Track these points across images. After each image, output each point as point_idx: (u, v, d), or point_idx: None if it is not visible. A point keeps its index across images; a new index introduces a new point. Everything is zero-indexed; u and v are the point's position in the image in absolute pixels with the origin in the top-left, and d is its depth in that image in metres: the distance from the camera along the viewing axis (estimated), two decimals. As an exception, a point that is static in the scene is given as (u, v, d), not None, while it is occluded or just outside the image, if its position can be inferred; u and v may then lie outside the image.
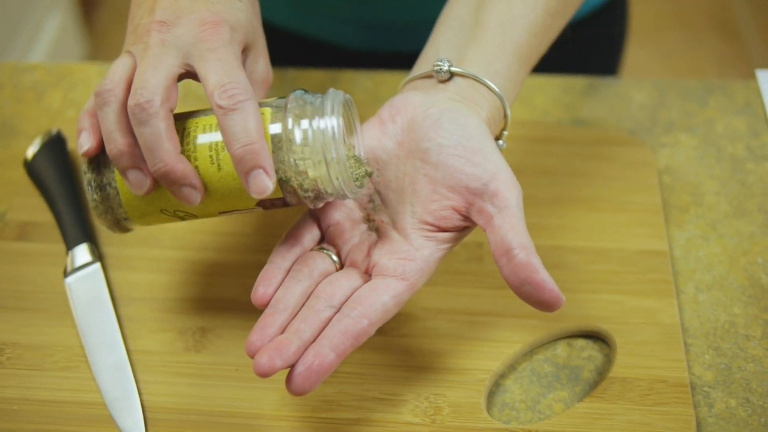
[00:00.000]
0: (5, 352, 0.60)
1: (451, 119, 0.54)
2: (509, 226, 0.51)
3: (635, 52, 2.03)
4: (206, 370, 0.59)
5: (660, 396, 0.56)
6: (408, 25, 0.83)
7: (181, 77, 0.52)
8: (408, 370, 0.58)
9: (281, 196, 0.53)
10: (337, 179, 0.51)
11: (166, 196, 0.53)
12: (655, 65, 2.05)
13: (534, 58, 0.59)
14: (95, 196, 0.54)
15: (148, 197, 0.53)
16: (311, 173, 0.51)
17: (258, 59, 0.57)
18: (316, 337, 0.51)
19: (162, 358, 0.59)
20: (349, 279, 0.54)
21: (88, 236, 0.65)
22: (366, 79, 0.79)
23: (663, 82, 0.78)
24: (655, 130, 0.74)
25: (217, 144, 0.52)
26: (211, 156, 0.52)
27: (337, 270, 0.55)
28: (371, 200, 0.57)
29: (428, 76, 0.58)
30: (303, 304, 0.53)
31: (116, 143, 0.51)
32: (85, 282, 0.63)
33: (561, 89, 0.77)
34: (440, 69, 0.56)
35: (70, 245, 0.65)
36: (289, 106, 0.52)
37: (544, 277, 0.50)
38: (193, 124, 0.53)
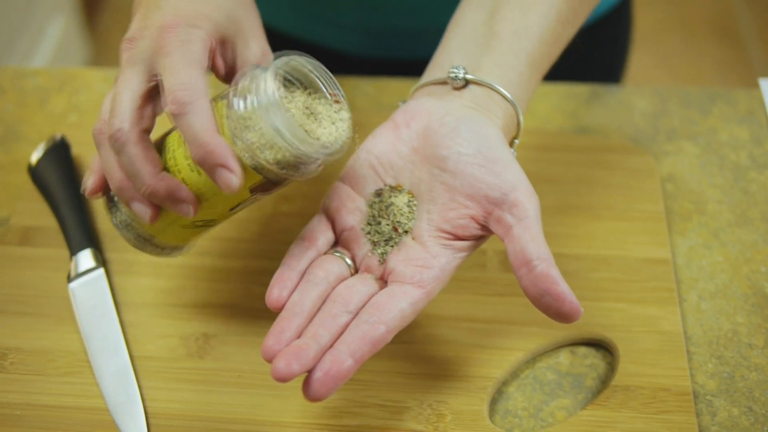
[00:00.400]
0: (8, 357, 0.60)
1: (469, 127, 0.54)
2: (529, 236, 0.51)
3: (637, 58, 2.03)
4: (209, 376, 0.59)
5: (663, 404, 0.56)
6: (412, 31, 0.83)
7: (153, 90, 0.53)
8: (410, 377, 0.58)
9: (261, 178, 0.52)
10: (292, 142, 0.49)
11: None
12: (657, 71, 2.05)
13: (545, 67, 0.59)
14: (128, 235, 0.55)
15: (165, 219, 0.54)
16: (262, 142, 0.50)
17: (248, 44, 0.57)
18: (334, 342, 0.51)
19: (165, 364, 0.59)
20: (365, 284, 0.54)
21: (92, 241, 0.65)
22: (368, 86, 0.79)
23: (665, 89, 0.78)
24: (657, 138, 0.74)
25: (188, 151, 0.52)
26: (189, 165, 0.52)
27: (351, 274, 0.55)
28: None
29: (442, 83, 0.58)
30: (318, 308, 0.53)
31: (113, 180, 0.52)
32: (88, 287, 0.63)
33: (563, 97, 0.77)
34: (456, 76, 0.56)
35: (73, 250, 0.65)
36: (234, 87, 0.51)
37: (564, 288, 0.50)
38: (171, 138, 0.53)
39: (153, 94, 0.53)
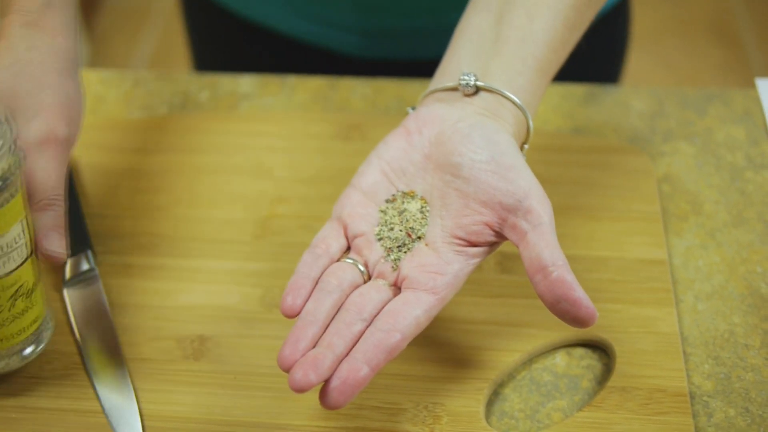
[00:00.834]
0: (3, 359, 0.60)
1: (482, 134, 0.55)
2: (544, 243, 0.52)
3: (635, 60, 2.03)
4: (205, 378, 0.59)
5: (659, 405, 0.56)
6: (409, 32, 0.83)
7: None
8: (406, 379, 0.58)
9: None
10: None
11: None
12: (655, 73, 2.05)
13: (553, 72, 0.60)
14: None
15: None
16: None
17: (29, 123, 0.56)
18: (349, 350, 0.51)
19: (160, 366, 0.59)
20: (378, 292, 0.53)
21: (87, 244, 0.65)
22: (365, 87, 0.79)
23: (662, 90, 0.78)
24: (654, 139, 0.74)
25: None
26: None
27: (364, 281, 0.55)
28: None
29: (452, 89, 0.58)
30: (333, 317, 0.53)
31: None
32: (83, 290, 0.63)
33: (560, 97, 0.77)
34: (467, 83, 0.57)
35: (68, 253, 0.65)
36: None
37: (580, 294, 0.50)
38: None
39: None
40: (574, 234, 0.66)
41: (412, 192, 0.57)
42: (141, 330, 0.61)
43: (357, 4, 0.81)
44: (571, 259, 0.64)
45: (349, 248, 0.57)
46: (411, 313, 0.52)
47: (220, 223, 0.68)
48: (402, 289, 0.54)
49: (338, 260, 0.56)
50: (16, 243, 0.53)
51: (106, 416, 0.57)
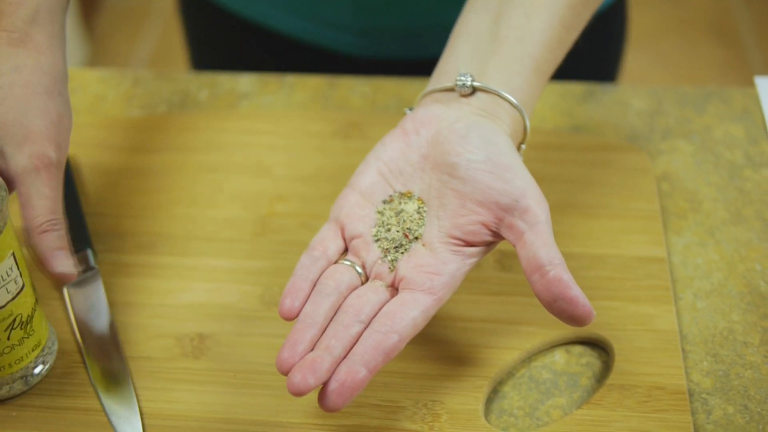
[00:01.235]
0: (3, 358, 0.60)
1: (478, 134, 0.55)
2: (541, 242, 0.52)
3: (634, 59, 2.03)
4: (204, 376, 0.59)
5: (658, 403, 0.56)
6: (407, 32, 0.83)
7: None
8: (406, 377, 0.58)
9: None
10: None
11: None
12: (654, 72, 2.05)
13: (550, 72, 0.60)
14: None
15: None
16: None
17: (17, 151, 0.56)
18: (347, 352, 0.51)
19: (160, 365, 0.59)
20: (376, 293, 0.54)
21: (87, 243, 0.65)
22: (364, 85, 0.79)
23: (660, 88, 0.78)
24: (652, 137, 0.74)
25: None
26: None
27: (362, 283, 0.55)
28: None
29: (449, 90, 0.58)
30: (331, 319, 0.53)
31: None
32: (83, 288, 0.63)
33: (559, 96, 0.77)
34: (464, 84, 0.57)
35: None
36: None
37: (576, 293, 0.51)
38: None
39: None
40: (573, 232, 0.66)
41: (409, 193, 0.57)
42: (141, 328, 0.61)
43: (355, 4, 0.81)
44: (570, 257, 0.64)
45: (346, 250, 0.57)
46: (408, 314, 0.52)
47: (220, 221, 0.68)
48: (399, 290, 0.54)
49: (336, 262, 0.56)
50: (8, 276, 0.53)
51: (107, 414, 0.57)
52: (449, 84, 0.58)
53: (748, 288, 0.63)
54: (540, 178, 0.71)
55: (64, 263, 0.55)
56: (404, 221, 0.55)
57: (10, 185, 0.56)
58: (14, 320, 0.55)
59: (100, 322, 0.61)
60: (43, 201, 0.56)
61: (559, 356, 0.60)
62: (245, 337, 0.61)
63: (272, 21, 0.86)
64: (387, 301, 0.53)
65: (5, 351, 0.55)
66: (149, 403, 0.57)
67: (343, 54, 0.86)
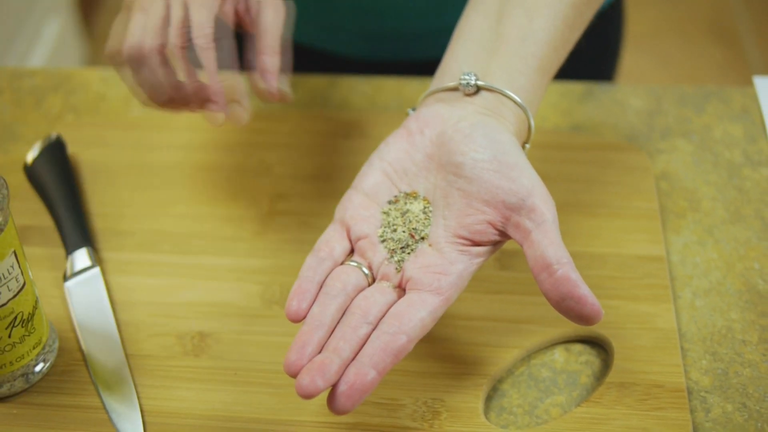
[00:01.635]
0: (4, 356, 0.60)
1: (483, 133, 0.55)
2: (548, 241, 0.52)
3: (633, 59, 2.04)
4: (205, 374, 0.59)
5: (657, 401, 0.56)
6: (408, 34, 0.83)
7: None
8: (406, 375, 0.58)
9: None
10: None
11: None
12: (653, 71, 2.05)
13: (553, 71, 0.60)
14: None
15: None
16: None
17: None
18: (355, 354, 0.51)
19: (161, 363, 0.60)
20: (383, 294, 0.53)
21: (88, 241, 0.66)
22: (365, 85, 0.80)
23: (660, 88, 0.78)
24: (652, 136, 0.74)
25: None
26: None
27: (369, 284, 0.55)
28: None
29: (453, 89, 0.58)
30: (338, 321, 0.53)
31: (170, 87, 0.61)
32: (84, 286, 0.63)
33: (558, 95, 0.78)
34: (467, 83, 0.57)
35: (69, 249, 0.65)
36: None
37: (585, 291, 0.50)
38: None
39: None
40: (572, 231, 0.66)
41: (415, 193, 0.57)
42: (141, 326, 0.62)
43: (356, 7, 0.81)
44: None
45: (352, 251, 0.57)
46: (416, 314, 0.52)
47: (221, 220, 0.68)
48: (406, 291, 0.53)
49: (342, 263, 0.56)
50: (9, 273, 0.54)
51: (107, 412, 0.57)
52: (453, 83, 0.58)
53: (746, 286, 0.63)
54: (540, 177, 0.71)
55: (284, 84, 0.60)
56: (410, 221, 0.55)
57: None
58: (15, 318, 0.55)
59: (101, 320, 0.61)
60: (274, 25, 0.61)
61: (558, 354, 0.60)
62: (246, 336, 0.61)
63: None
64: (394, 302, 0.53)
65: (6, 349, 0.56)
66: (150, 401, 0.57)
67: (344, 56, 0.86)
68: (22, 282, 0.55)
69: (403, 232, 0.55)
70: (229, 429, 0.56)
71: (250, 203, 0.70)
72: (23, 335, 0.56)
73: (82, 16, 2.15)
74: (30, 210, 0.69)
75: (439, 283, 0.53)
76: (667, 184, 0.70)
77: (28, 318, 0.56)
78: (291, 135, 0.75)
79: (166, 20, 0.59)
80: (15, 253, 0.54)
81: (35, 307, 0.57)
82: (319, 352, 0.51)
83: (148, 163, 0.73)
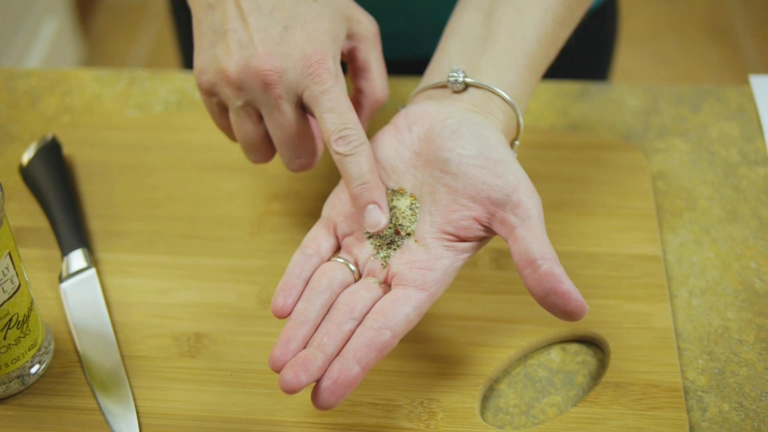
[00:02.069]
0: (0, 357, 0.60)
1: (470, 130, 0.55)
2: (533, 236, 0.52)
3: (631, 58, 2.04)
4: (201, 375, 0.59)
5: (653, 401, 0.56)
6: (401, 34, 0.83)
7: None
8: (402, 375, 0.58)
9: None
10: None
11: None
12: (650, 71, 2.05)
13: (543, 68, 0.60)
14: None
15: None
16: None
17: (360, 22, 0.60)
18: (340, 350, 0.51)
19: (157, 364, 0.59)
20: (368, 290, 0.54)
21: (83, 242, 0.65)
22: (361, 85, 0.79)
23: (656, 87, 0.78)
24: (648, 135, 0.74)
25: None
26: None
27: (355, 280, 0.55)
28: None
29: (442, 86, 0.58)
30: (324, 317, 0.53)
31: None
32: (80, 287, 0.63)
33: (554, 94, 0.78)
34: (456, 80, 0.57)
35: (65, 251, 0.65)
36: None
37: (569, 287, 0.51)
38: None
39: None
40: (568, 230, 0.66)
41: (402, 189, 0.57)
42: (137, 327, 0.62)
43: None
44: (565, 256, 0.64)
45: (339, 247, 0.57)
46: (401, 310, 0.52)
47: (216, 220, 0.68)
48: (392, 286, 0.54)
49: (329, 260, 0.56)
50: (4, 275, 0.53)
51: (103, 413, 0.57)
52: (441, 81, 0.58)
53: (743, 286, 0.63)
54: (535, 177, 0.71)
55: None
56: (396, 218, 0.55)
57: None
58: (10, 320, 0.55)
59: (97, 321, 0.61)
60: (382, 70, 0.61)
61: (554, 354, 0.60)
62: (242, 336, 0.61)
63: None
64: (380, 298, 0.53)
65: (1, 351, 0.55)
66: (146, 402, 0.57)
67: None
68: (17, 283, 0.55)
69: (389, 228, 0.55)
70: (225, 430, 0.56)
71: (245, 204, 0.69)
72: (18, 337, 0.56)
73: (79, 16, 2.14)
74: (25, 211, 0.69)
75: (424, 279, 0.53)
76: (664, 183, 0.70)
77: (23, 320, 0.56)
78: (287, 135, 0.74)
79: None
80: (10, 254, 0.54)
81: (30, 309, 0.57)
82: (304, 347, 0.51)
83: (143, 163, 0.73)
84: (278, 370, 0.50)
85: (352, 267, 0.55)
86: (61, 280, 0.64)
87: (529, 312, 0.61)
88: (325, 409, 0.50)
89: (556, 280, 0.51)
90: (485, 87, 0.56)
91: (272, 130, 0.58)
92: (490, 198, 0.53)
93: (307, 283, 0.54)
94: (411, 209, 0.56)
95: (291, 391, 0.49)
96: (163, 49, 2.13)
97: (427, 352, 0.59)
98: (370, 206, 0.54)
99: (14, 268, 0.54)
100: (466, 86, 0.57)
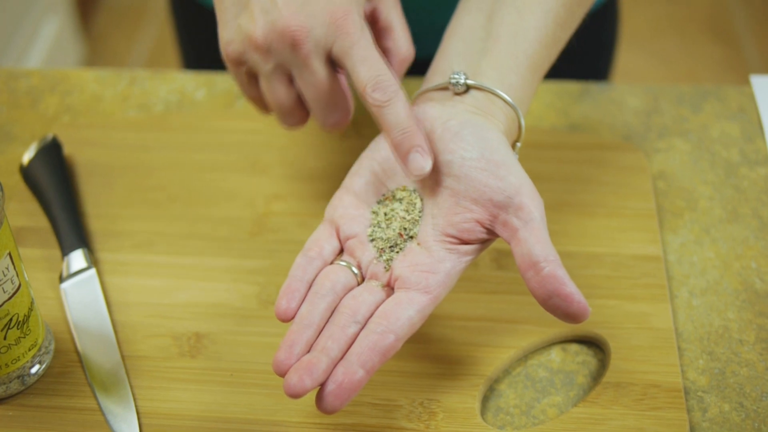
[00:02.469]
0: (0, 357, 0.60)
1: (472, 132, 0.55)
2: (535, 239, 0.52)
3: (632, 58, 2.04)
4: (201, 375, 0.59)
5: (654, 401, 0.56)
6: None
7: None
8: (402, 376, 0.58)
9: None
10: None
11: None
12: (651, 71, 2.05)
13: (544, 69, 0.60)
14: None
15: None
16: None
17: (390, 17, 0.60)
18: (344, 353, 0.51)
19: (157, 364, 0.59)
20: (371, 293, 0.54)
21: (84, 242, 0.65)
22: (361, 85, 0.79)
23: (657, 87, 0.78)
24: (649, 136, 0.74)
25: None
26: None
27: (358, 283, 0.55)
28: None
29: (443, 88, 0.58)
30: (327, 320, 0.53)
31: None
32: (80, 287, 0.63)
33: (555, 94, 0.78)
34: (457, 82, 0.57)
35: (65, 251, 0.65)
36: None
37: (572, 289, 0.50)
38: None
39: None
40: (569, 231, 0.66)
41: (404, 191, 0.57)
42: (137, 327, 0.61)
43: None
44: (566, 256, 0.64)
45: (342, 250, 0.57)
46: (404, 313, 0.52)
47: (217, 220, 0.68)
48: (395, 290, 0.54)
49: (331, 263, 0.56)
50: (4, 275, 0.53)
51: (103, 413, 0.57)
52: (443, 82, 0.58)
53: (743, 286, 0.63)
54: (536, 177, 0.71)
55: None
56: (399, 221, 0.55)
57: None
58: (11, 320, 0.55)
59: (97, 321, 0.61)
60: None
61: (555, 354, 0.60)
62: (242, 336, 0.61)
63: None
64: (383, 301, 0.53)
65: (2, 351, 0.55)
66: (146, 403, 0.57)
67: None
68: (17, 284, 0.55)
69: (392, 231, 0.55)
70: (225, 430, 0.56)
71: (246, 204, 0.69)
72: (19, 337, 0.56)
73: (80, 16, 2.15)
74: (26, 211, 0.69)
75: (427, 282, 0.53)
76: (664, 184, 0.70)
77: (23, 320, 0.56)
78: (287, 135, 0.75)
79: None
80: (10, 254, 0.54)
81: (31, 309, 0.57)
82: (308, 351, 0.51)
83: (144, 163, 0.73)
84: (282, 374, 0.50)
85: (355, 270, 0.55)
86: (61, 280, 0.64)
87: (530, 312, 0.61)
88: (330, 413, 0.50)
89: (559, 282, 0.51)
90: (487, 89, 0.56)
91: (304, 89, 0.57)
92: (492, 200, 0.53)
93: (310, 286, 0.54)
94: (414, 211, 0.55)
95: (295, 395, 0.49)
96: (163, 49, 2.13)
97: (427, 353, 0.59)
98: (413, 153, 0.54)
99: (14, 268, 0.54)
100: (468, 88, 0.57)
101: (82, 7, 2.18)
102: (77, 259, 0.64)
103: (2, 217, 0.53)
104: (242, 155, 0.73)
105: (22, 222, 0.68)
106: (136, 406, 0.57)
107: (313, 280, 0.55)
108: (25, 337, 0.56)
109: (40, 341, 0.58)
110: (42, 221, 0.68)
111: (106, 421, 0.56)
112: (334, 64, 0.56)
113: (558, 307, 0.51)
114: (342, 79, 0.58)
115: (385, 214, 0.56)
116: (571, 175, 0.70)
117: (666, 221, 0.68)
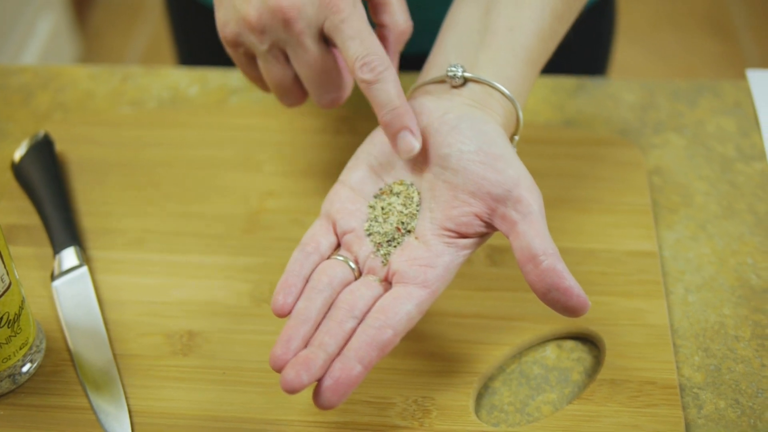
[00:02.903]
0: (-9, 356, 0.60)
1: (470, 125, 0.54)
2: (534, 232, 0.51)
3: (629, 52, 2.03)
4: (194, 373, 0.58)
5: (649, 398, 0.56)
6: None
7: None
8: (396, 373, 0.58)
9: None
10: None
11: None
12: (648, 66, 2.05)
13: (542, 62, 0.59)
14: None
15: None
16: None
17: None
18: (341, 348, 0.51)
19: (149, 362, 0.59)
20: (369, 288, 0.53)
21: (76, 240, 0.65)
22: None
23: (652, 82, 0.78)
24: (644, 131, 0.74)
25: None
26: None
27: (356, 278, 0.55)
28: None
29: (440, 81, 0.57)
30: (324, 315, 0.52)
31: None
32: (72, 285, 0.63)
33: (550, 90, 0.77)
34: (454, 75, 0.56)
35: (57, 249, 0.65)
36: None
37: (571, 283, 0.50)
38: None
39: None
40: (564, 226, 0.66)
41: (401, 185, 0.56)
42: (130, 326, 0.61)
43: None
44: (561, 252, 0.63)
45: (339, 245, 0.56)
46: (402, 308, 0.51)
47: (210, 217, 0.68)
48: (393, 284, 0.53)
49: (328, 257, 0.55)
50: None
51: (95, 412, 0.56)
52: (440, 75, 0.57)
53: (739, 282, 0.63)
54: (531, 173, 0.71)
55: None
56: (396, 215, 0.55)
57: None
58: (1, 318, 0.54)
59: (89, 319, 0.61)
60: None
61: (550, 351, 0.60)
62: (235, 334, 0.60)
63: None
64: (381, 296, 0.53)
65: None
66: (138, 401, 0.57)
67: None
68: (7, 282, 0.54)
69: (390, 225, 0.55)
70: (219, 429, 0.56)
71: (239, 201, 0.69)
72: (9, 336, 0.56)
73: (75, 12, 2.14)
74: (17, 209, 0.69)
75: (425, 276, 0.52)
76: (660, 179, 0.70)
77: (14, 318, 0.55)
78: (281, 132, 0.74)
79: None
80: (0, 252, 0.54)
81: (21, 308, 0.56)
82: (305, 346, 0.51)
83: (136, 160, 0.72)
84: (279, 370, 0.50)
85: (352, 265, 0.55)
86: (53, 278, 0.63)
87: (524, 309, 0.61)
88: (327, 409, 0.49)
89: (558, 276, 0.50)
90: (484, 81, 0.56)
91: (299, 68, 0.57)
92: (490, 193, 0.53)
93: (307, 281, 0.54)
94: (411, 205, 0.55)
95: (292, 390, 0.48)
96: (159, 45, 2.13)
97: (421, 350, 0.59)
98: (402, 132, 0.54)
99: (5, 266, 0.54)
100: (465, 81, 0.57)
101: (78, 4, 2.18)
102: (69, 256, 0.64)
103: None
104: (236, 152, 0.73)
105: (13, 220, 0.68)
106: (128, 404, 0.57)
107: (310, 275, 0.54)
108: (15, 336, 0.56)
109: (31, 340, 0.58)
110: (33, 219, 0.68)
111: (98, 420, 0.56)
112: (328, 42, 0.56)
113: (557, 301, 0.50)
114: (338, 56, 0.58)
115: (383, 209, 0.56)
116: (566, 170, 0.70)
117: (661, 217, 0.67)
